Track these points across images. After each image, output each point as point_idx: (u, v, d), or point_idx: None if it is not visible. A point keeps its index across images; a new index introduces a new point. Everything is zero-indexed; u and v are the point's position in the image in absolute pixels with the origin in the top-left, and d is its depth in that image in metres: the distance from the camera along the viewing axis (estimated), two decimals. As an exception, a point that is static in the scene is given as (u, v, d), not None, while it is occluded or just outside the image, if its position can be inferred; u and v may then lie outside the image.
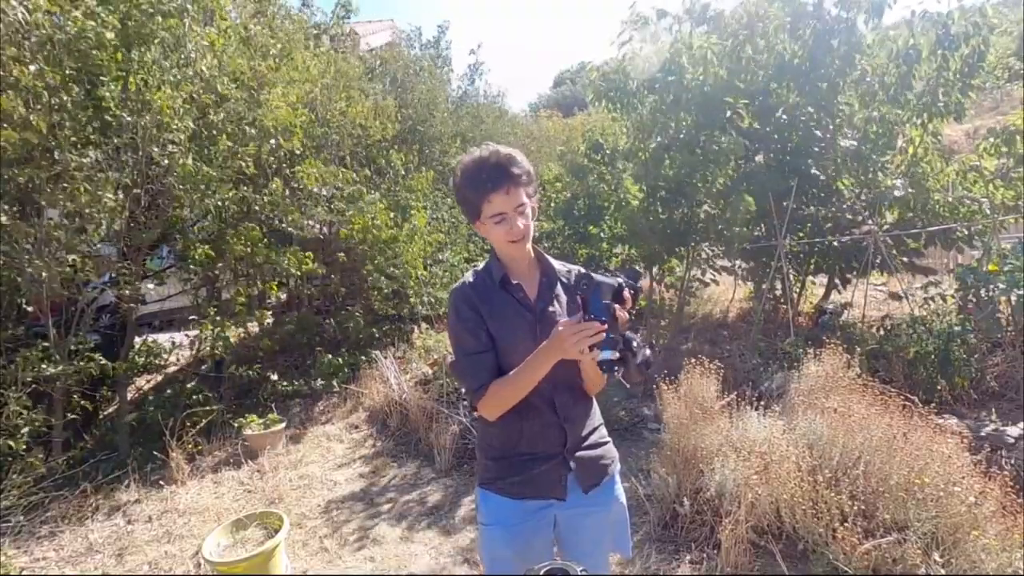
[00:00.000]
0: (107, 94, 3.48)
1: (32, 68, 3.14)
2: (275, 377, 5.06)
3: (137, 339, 4.57)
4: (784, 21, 4.88)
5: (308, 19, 7.13)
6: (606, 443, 1.51)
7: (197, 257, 4.23)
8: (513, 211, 1.31)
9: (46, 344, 3.54)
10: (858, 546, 2.23)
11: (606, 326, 1.19)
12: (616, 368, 1.22)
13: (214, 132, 4.11)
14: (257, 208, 4.55)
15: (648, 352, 1.23)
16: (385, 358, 5.12)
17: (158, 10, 3.66)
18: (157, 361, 4.76)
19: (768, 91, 5.16)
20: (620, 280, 1.25)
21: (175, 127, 3.71)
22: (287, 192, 4.70)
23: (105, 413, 4.76)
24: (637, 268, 1.35)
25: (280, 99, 4.48)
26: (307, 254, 4.81)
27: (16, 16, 3.09)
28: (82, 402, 3.72)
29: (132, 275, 3.98)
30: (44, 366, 3.39)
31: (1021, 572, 2.08)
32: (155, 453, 3.96)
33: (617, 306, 1.22)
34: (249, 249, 4.35)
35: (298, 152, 4.76)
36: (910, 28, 4.74)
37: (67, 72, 3.33)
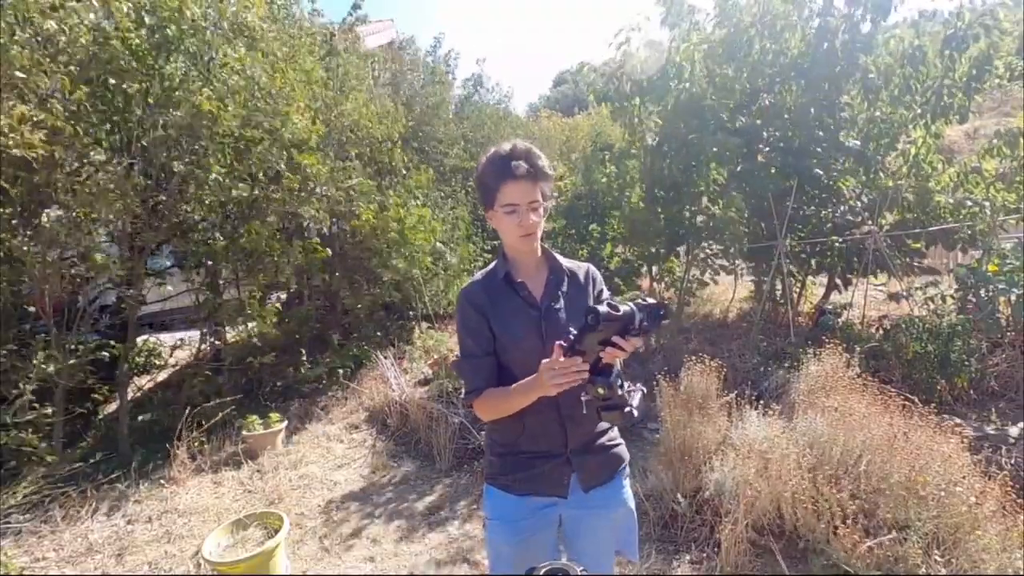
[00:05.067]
0: (132, 100, 3.52)
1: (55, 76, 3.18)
2: (302, 358, 5.16)
3: (138, 339, 4.58)
4: (791, 20, 4.88)
5: (314, 24, 7.11)
6: (616, 445, 1.51)
7: (217, 250, 4.27)
8: (526, 205, 1.33)
9: (47, 340, 3.54)
10: (859, 545, 2.23)
11: (587, 365, 1.17)
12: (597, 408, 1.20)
13: (237, 143, 4.16)
14: (265, 204, 4.55)
15: (637, 401, 1.18)
16: (385, 358, 5.12)
17: (191, 25, 3.71)
18: (160, 362, 4.77)
19: (771, 89, 5.16)
20: (627, 311, 1.17)
21: (215, 126, 3.76)
22: (298, 186, 4.71)
23: (106, 412, 4.76)
24: (665, 303, 1.27)
25: (298, 113, 4.51)
26: (315, 240, 4.84)
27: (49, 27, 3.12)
28: (85, 404, 3.72)
29: (135, 275, 3.98)
30: (45, 365, 3.39)
31: (1021, 572, 2.08)
32: (159, 451, 3.96)
33: (606, 349, 1.18)
34: (264, 245, 4.37)
35: (308, 164, 4.77)
36: (916, 29, 4.73)
37: (87, 77, 3.36)
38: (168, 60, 3.69)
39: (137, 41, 3.45)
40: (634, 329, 1.17)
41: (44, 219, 3.50)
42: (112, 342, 3.82)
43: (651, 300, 1.22)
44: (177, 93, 3.70)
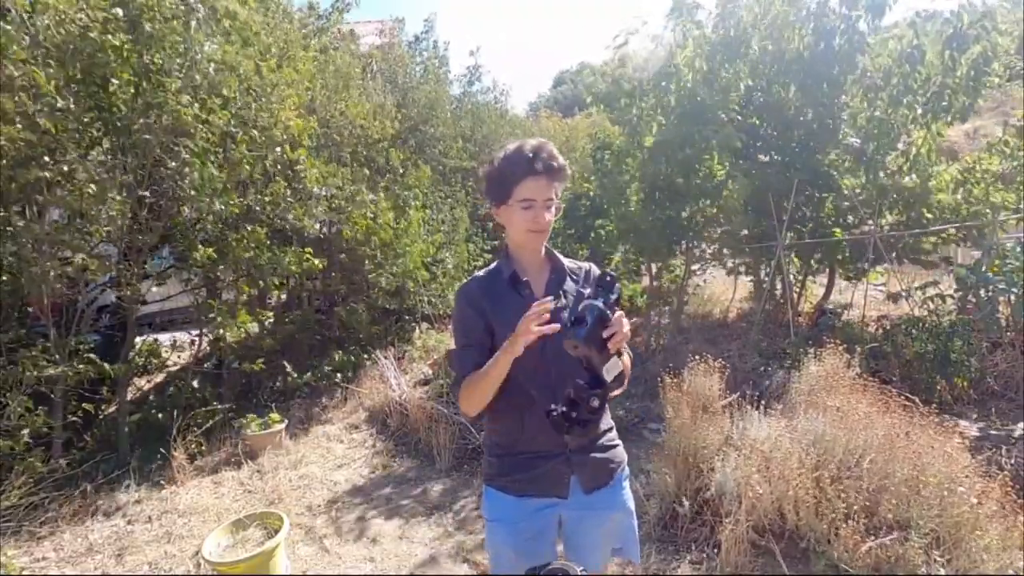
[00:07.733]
0: (117, 96, 3.48)
1: (44, 71, 3.15)
2: (288, 369, 5.11)
3: (137, 339, 4.57)
4: (789, 21, 4.88)
5: (307, 18, 7.06)
6: (614, 446, 1.51)
7: (200, 259, 4.23)
8: (542, 202, 1.34)
9: (47, 344, 3.53)
10: (860, 544, 2.23)
11: (553, 301, 1.21)
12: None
13: (225, 138, 4.12)
14: (258, 208, 4.54)
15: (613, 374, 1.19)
16: (385, 358, 5.12)
17: (166, 14, 3.67)
18: (157, 361, 4.75)
19: (770, 88, 5.16)
20: (594, 312, 1.16)
21: (196, 132, 3.72)
22: (288, 192, 4.69)
23: (105, 413, 4.75)
24: (609, 271, 1.28)
25: (290, 109, 4.48)
26: (307, 250, 4.81)
27: (20, 18, 3.10)
28: (83, 405, 3.71)
29: (133, 275, 3.98)
30: (44, 366, 3.38)
31: (1021, 572, 2.08)
32: (158, 452, 3.95)
33: (609, 343, 1.18)
34: (252, 252, 4.34)
35: (300, 160, 4.75)
36: (914, 29, 4.73)
37: (71, 74, 3.33)
38: (146, 55, 3.63)
39: (115, 40, 3.40)
40: (608, 314, 1.18)
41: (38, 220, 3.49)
42: (107, 365, 3.76)
43: (594, 270, 1.24)
44: (159, 93, 3.62)
